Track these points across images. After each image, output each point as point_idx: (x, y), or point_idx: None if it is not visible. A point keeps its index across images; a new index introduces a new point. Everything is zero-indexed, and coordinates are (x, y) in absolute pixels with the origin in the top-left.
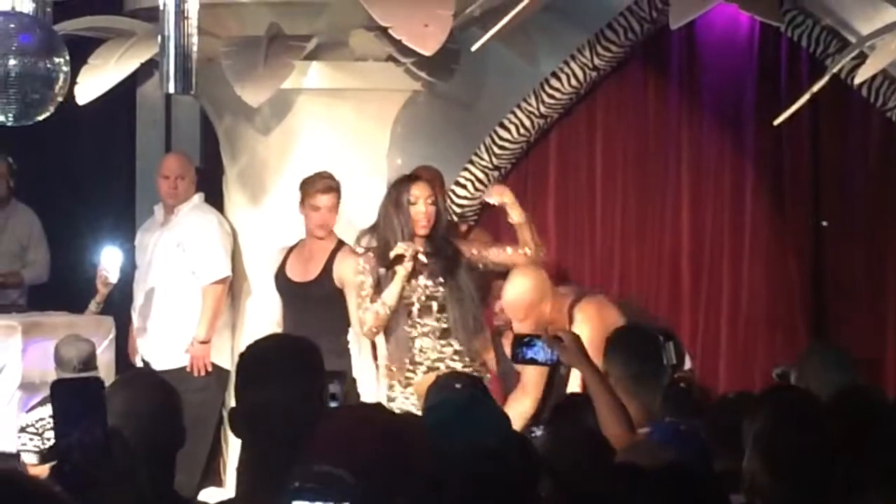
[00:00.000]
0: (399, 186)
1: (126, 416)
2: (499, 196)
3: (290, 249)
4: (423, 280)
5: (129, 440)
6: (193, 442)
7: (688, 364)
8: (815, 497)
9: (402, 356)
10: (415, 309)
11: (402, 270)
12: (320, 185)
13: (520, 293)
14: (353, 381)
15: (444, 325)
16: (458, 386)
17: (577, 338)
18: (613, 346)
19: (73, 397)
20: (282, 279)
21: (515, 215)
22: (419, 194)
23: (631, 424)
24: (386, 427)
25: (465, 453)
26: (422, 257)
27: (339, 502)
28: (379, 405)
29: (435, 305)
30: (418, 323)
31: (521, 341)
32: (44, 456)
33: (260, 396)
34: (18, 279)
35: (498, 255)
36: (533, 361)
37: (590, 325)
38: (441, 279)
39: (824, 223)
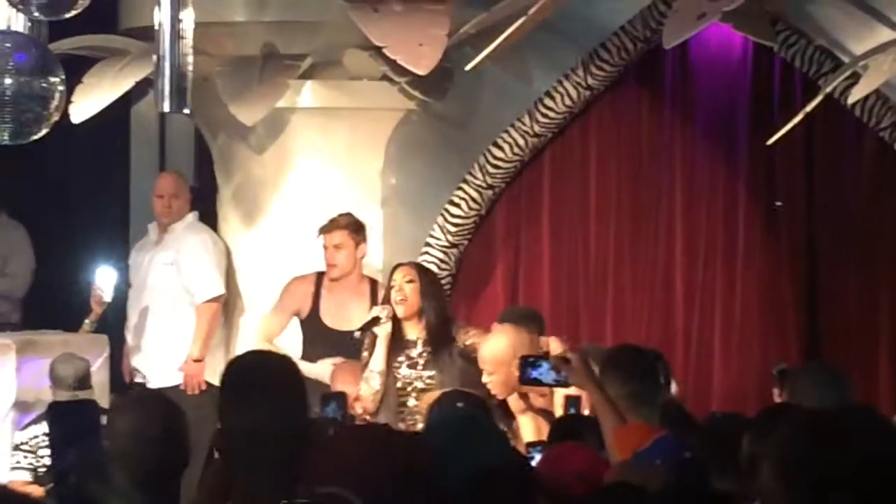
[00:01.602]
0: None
1: (132, 437)
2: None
3: (316, 284)
4: (419, 371)
5: (130, 461)
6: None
7: (673, 388)
8: None
9: None
10: (410, 401)
11: (381, 332)
12: (325, 225)
13: (492, 349)
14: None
15: None
16: (459, 405)
17: (584, 359)
18: (610, 364)
19: (69, 419)
20: (317, 323)
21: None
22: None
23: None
24: (390, 447)
25: (464, 474)
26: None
27: None
28: (385, 426)
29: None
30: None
31: (527, 362)
32: (40, 477)
33: (241, 418)
34: None
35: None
36: (538, 382)
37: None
38: (433, 370)
39: (778, 203)
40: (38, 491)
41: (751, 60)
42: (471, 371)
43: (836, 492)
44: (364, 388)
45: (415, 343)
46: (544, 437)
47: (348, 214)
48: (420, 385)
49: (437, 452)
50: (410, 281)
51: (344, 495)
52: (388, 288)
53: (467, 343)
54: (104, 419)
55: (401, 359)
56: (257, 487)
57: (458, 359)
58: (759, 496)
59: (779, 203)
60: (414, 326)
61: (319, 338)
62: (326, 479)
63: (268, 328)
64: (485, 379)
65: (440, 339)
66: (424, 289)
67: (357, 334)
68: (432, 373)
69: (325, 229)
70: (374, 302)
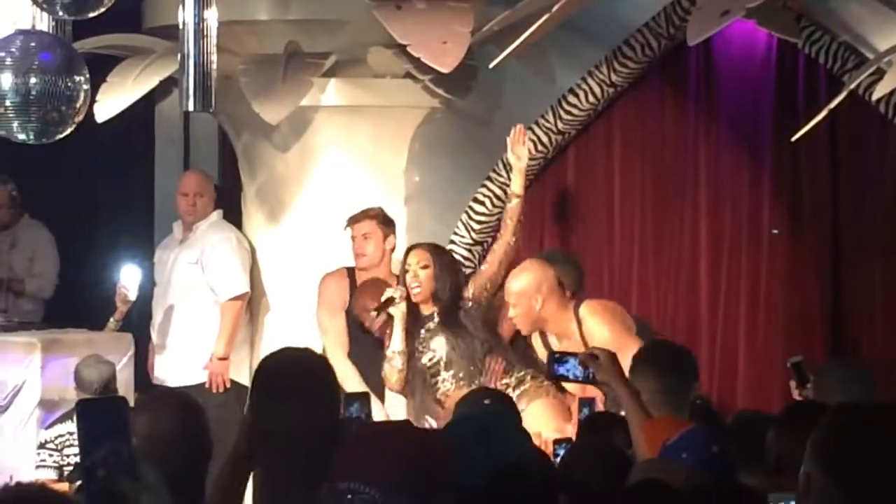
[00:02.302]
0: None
1: (151, 439)
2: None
3: (349, 278)
4: (434, 345)
5: (150, 461)
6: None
7: None
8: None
9: (421, 421)
10: (428, 376)
11: (397, 312)
12: (353, 216)
13: (517, 282)
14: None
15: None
16: (486, 402)
17: (612, 356)
18: (642, 359)
19: (97, 417)
20: (352, 318)
21: (517, 187)
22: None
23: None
24: (414, 444)
25: (485, 471)
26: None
27: None
28: (406, 422)
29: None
30: (433, 387)
31: (554, 357)
32: (67, 475)
33: (275, 416)
34: (21, 287)
35: (487, 270)
36: (564, 378)
37: (598, 316)
38: (451, 346)
39: (775, 231)
40: (63, 489)
41: (775, 57)
42: (484, 334)
43: (887, 484)
44: (387, 369)
45: (431, 317)
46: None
47: (378, 208)
48: (444, 358)
49: (458, 449)
50: (425, 266)
51: (368, 492)
52: (403, 271)
53: (473, 293)
54: None
55: (423, 334)
56: (285, 486)
57: (474, 326)
58: (798, 493)
59: (775, 231)
60: (429, 306)
61: (354, 331)
62: (350, 477)
63: (337, 334)
64: (510, 313)
65: (453, 313)
66: (438, 273)
67: (373, 314)
68: (451, 344)
69: (355, 219)
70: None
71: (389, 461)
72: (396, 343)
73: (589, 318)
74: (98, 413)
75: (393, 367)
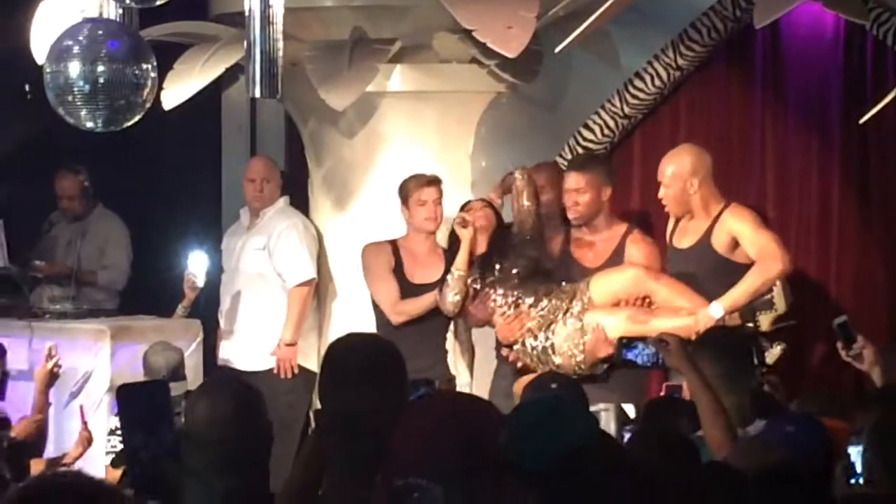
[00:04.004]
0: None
1: (210, 423)
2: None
3: (394, 245)
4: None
5: (209, 445)
6: (281, 443)
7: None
8: None
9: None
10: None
11: (465, 234)
12: (423, 180)
13: (672, 163)
14: (452, 378)
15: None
16: (553, 386)
17: (681, 341)
18: (703, 344)
19: (139, 402)
20: (401, 280)
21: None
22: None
23: (732, 430)
24: (464, 428)
25: (549, 455)
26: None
27: None
28: (453, 401)
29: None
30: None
31: (622, 343)
32: (112, 460)
33: (345, 401)
34: (93, 278)
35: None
36: (632, 364)
37: (744, 215)
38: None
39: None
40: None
41: (842, 39)
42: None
43: None
44: (445, 290)
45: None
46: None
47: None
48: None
49: (524, 433)
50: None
51: (421, 484)
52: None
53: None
54: (183, 405)
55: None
56: (353, 470)
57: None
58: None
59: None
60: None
61: (405, 295)
62: (403, 472)
63: (390, 296)
64: (660, 194)
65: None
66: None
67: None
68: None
69: (429, 182)
70: (447, 262)
71: (442, 452)
72: (460, 263)
73: (734, 215)
74: (140, 398)
75: (454, 279)
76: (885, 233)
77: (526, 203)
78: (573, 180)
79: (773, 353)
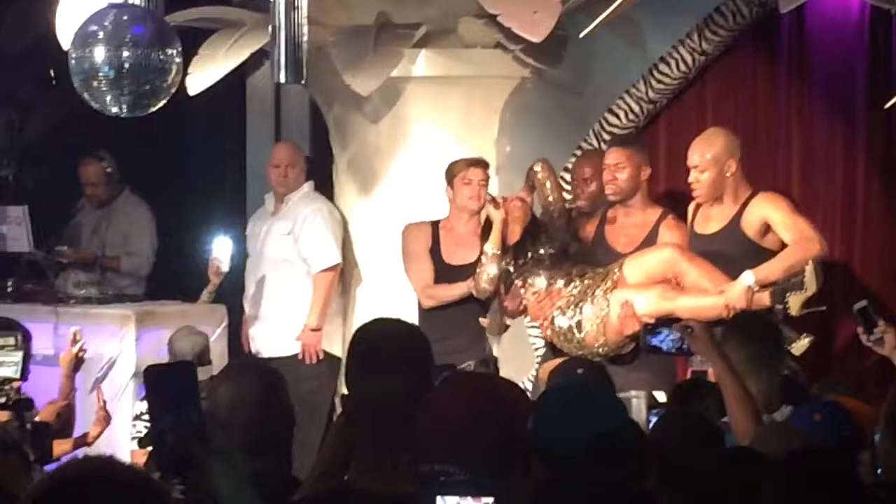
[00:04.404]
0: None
1: (232, 406)
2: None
3: (434, 226)
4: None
5: (232, 429)
6: (306, 429)
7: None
8: None
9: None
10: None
11: (497, 216)
12: (471, 160)
13: (708, 144)
14: (495, 359)
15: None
16: (579, 371)
17: (706, 327)
18: (731, 329)
19: (166, 384)
20: (437, 260)
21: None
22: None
23: (758, 416)
24: (492, 411)
25: (578, 439)
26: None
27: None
28: (485, 382)
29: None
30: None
31: (647, 329)
32: (139, 440)
33: (372, 386)
34: (116, 264)
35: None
36: (657, 350)
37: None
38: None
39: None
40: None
41: (868, 23)
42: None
43: None
44: (481, 269)
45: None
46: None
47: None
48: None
49: (552, 418)
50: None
51: (448, 470)
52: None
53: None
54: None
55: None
56: (380, 456)
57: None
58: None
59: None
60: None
61: (441, 274)
62: (431, 456)
63: (422, 278)
64: (692, 178)
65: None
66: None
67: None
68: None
69: (477, 164)
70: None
71: (470, 438)
72: (492, 245)
73: (768, 200)
74: (167, 380)
75: (487, 257)
76: None
77: (550, 193)
78: (613, 156)
79: (801, 345)
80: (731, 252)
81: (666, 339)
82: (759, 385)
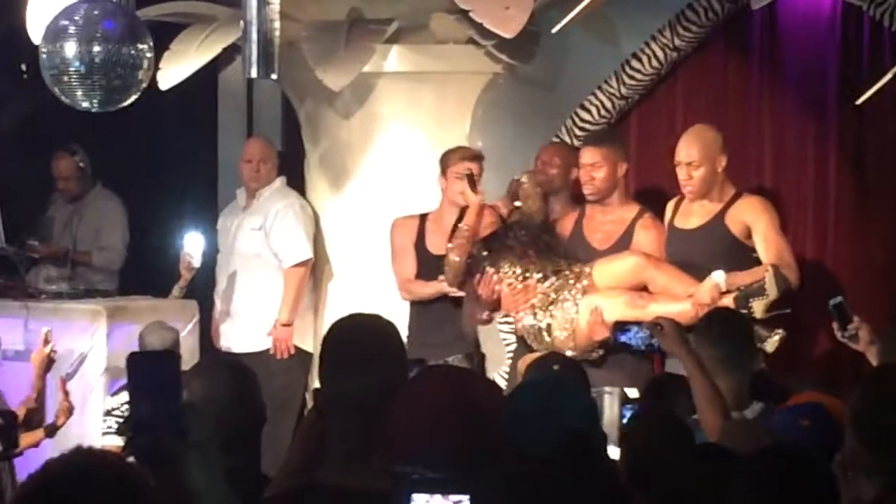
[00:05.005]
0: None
1: (204, 401)
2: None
3: (422, 219)
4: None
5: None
6: (277, 424)
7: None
8: None
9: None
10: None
11: (473, 199)
12: (465, 153)
13: (698, 140)
14: (483, 355)
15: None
16: (555, 367)
17: (676, 324)
18: (701, 326)
19: (148, 372)
20: (421, 251)
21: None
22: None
23: (727, 413)
24: (463, 412)
25: (550, 437)
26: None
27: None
28: (458, 378)
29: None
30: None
31: (617, 326)
32: (118, 428)
33: (345, 381)
34: (87, 259)
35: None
36: (626, 347)
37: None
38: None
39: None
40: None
41: (839, 20)
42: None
43: None
44: (450, 247)
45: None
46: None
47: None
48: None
49: (525, 414)
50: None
51: (420, 469)
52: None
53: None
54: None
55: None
56: (351, 452)
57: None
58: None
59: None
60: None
61: (425, 265)
62: (403, 446)
63: (403, 272)
64: (683, 175)
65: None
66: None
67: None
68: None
69: (467, 156)
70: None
71: (441, 440)
72: (467, 220)
73: (753, 206)
74: (148, 368)
75: (454, 245)
76: (882, 213)
77: (533, 204)
78: (589, 155)
79: (773, 342)
80: (712, 248)
81: (635, 336)
82: (731, 382)
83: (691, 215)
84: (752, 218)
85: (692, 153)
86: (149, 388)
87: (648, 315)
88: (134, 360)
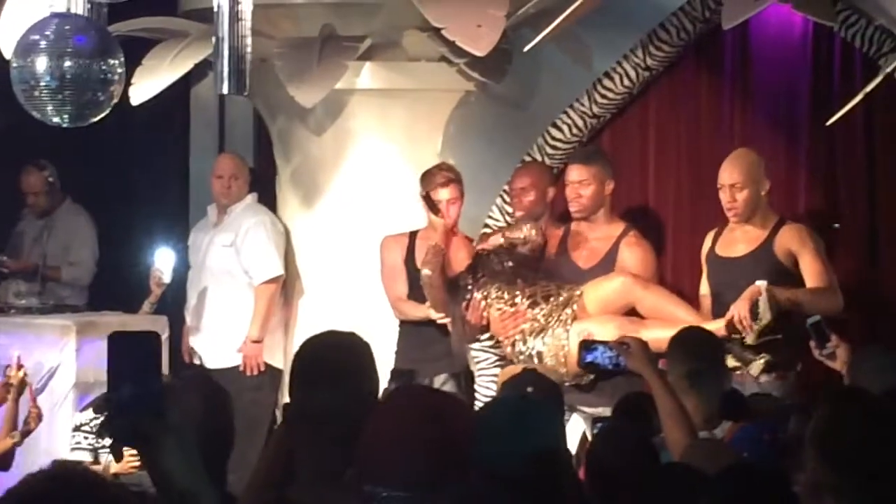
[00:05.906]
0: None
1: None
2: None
3: (412, 237)
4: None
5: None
6: (246, 441)
7: None
8: (880, 487)
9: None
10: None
11: (439, 223)
12: (440, 180)
13: (741, 162)
14: (471, 373)
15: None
16: (529, 389)
17: (643, 344)
18: (673, 343)
19: (129, 352)
20: (411, 268)
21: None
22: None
23: (694, 432)
24: (434, 434)
25: (519, 456)
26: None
27: None
28: (423, 399)
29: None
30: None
31: (582, 345)
32: (95, 405)
33: (315, 397)
34: (57, 274)
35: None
36: (593, 366)
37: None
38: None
39: (835, 225)
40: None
41: (811, 40)
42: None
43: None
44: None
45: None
46: None
47: (451, 167)
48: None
49: (495, 433)
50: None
51: (390, 494)
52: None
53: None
54: None
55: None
56: (320, 467)
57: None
58: (804, 477)
59: (836, 225)
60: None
61: (416, 283)
62: (371, 479)
63: (393, 291)
64: (727, 197)
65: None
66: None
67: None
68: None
69: (442, 183)
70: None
71: (410, 460)
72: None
73: (797, 234)
74: (130, 348)
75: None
76: (852, 232)
77: (535, 245)
78: (576, 173)
79: (758, 365)
80: (761, 275)
81: (602, 356)
82: (699, 401)
83: (736, 243)
84: (798, 246)
85: (735, 175)
86: (129, 368)
87: None
88: (115, 339)
